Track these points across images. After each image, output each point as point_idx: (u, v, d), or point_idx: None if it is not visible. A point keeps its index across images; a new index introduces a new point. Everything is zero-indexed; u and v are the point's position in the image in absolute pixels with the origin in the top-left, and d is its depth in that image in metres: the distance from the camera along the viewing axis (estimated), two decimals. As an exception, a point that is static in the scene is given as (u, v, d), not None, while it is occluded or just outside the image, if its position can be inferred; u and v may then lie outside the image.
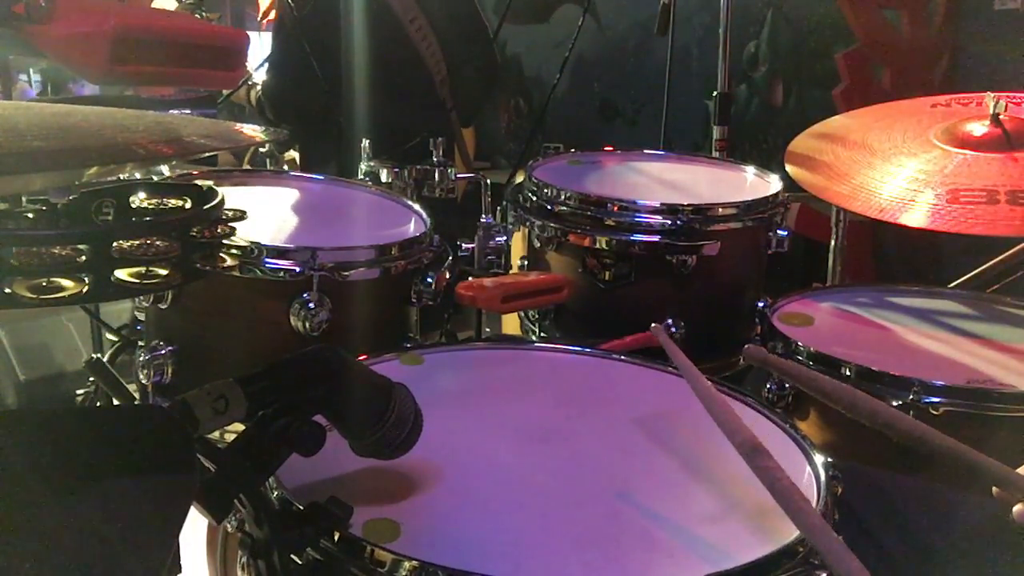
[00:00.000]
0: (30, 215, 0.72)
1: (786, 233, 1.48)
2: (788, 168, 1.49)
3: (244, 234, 1.07)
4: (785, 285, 1.44)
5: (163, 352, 1.21)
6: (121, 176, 1.08)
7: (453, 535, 0.74)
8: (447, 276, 1.32)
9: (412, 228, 1.36)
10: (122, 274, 0.72)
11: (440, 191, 1.58)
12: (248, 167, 2.57)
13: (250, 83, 2.62)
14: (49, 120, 0.74)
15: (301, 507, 0.71)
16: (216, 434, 0.70)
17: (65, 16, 1.43)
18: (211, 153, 1.77)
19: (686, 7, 2.87)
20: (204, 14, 2.18)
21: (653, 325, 1.02)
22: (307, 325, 1.15)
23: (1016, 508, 0.73)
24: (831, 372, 1.15)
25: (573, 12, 3.70)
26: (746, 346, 0.78)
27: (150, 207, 0.78)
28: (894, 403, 1.08)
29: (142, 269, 0.73)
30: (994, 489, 0.78)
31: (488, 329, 1.53)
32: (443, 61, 2.38)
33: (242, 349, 1.22)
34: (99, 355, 1.63)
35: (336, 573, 0.70)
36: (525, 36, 3.86)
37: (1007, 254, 1.73)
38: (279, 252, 1.16)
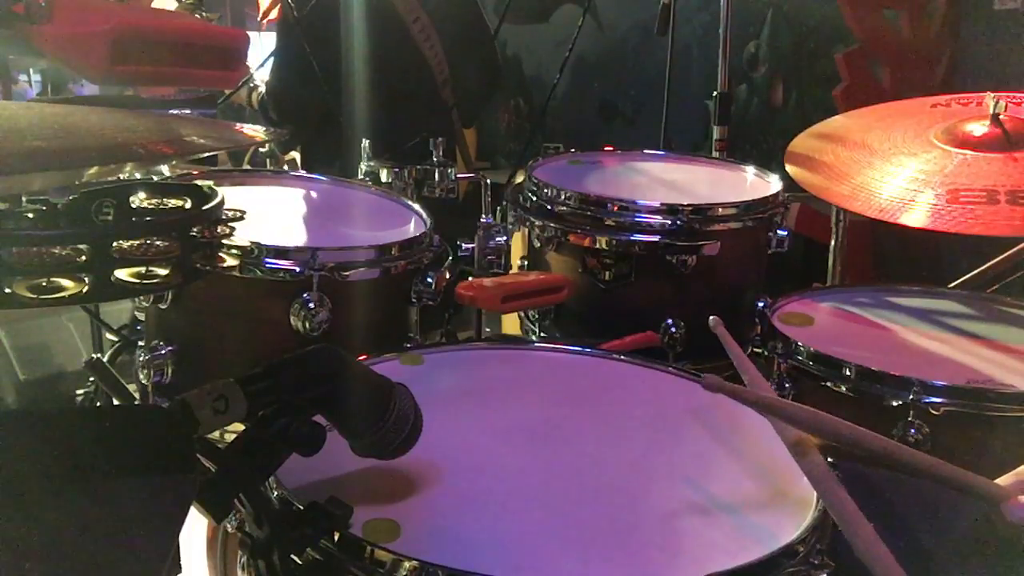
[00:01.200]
0: (30, 215, 0.72)
1: (786, 233, 1.48)
2: (788, 168, 1.48)
3: (244, 234, 1.07)
4: (785, 285, 1.44)
5: (163, 352, 1.21)
6: (121, 176, 1.07)
7: (453, 535, 0.74)
8: (447, 276, 1.32)
9: (412, 228, 1.36)
10: (122, 274, 0.72)
11: (440, 191, 1.58)
12: (248, 167, 2.57)
13: (251, 84, 2.62)
14: (49, 120, 0.75)
15: (301, 507, 0.71)
16: (216, 434, 0.70)
17: (65, 16, 1.43)
18: (211, 153, 1.77)
19: (686, 7, 2.87)
20: (204, 14, 2.17)
21: (712, 318, 1.00)
22: (307, 325, 1.15)
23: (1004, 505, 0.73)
24: (831, 372, 1.15)
25: (573, 12, 3.69)
26: (704, 375, 0.76)
27: (150, 207, 0.78)
28: (894, 403, 1.08)
29: (142, 269, 0.73)
30: None
31: (488, 329, 1.53)
32: (445, 61, 2.38)
33: (242, 349, 1.22)
34: (99, 355, 1.63)
35: (336, 573, 0.70)
36: (525, 36, 3.86)
37: (1007, 254, 1.72)
38: (279, 252, 1.16)
